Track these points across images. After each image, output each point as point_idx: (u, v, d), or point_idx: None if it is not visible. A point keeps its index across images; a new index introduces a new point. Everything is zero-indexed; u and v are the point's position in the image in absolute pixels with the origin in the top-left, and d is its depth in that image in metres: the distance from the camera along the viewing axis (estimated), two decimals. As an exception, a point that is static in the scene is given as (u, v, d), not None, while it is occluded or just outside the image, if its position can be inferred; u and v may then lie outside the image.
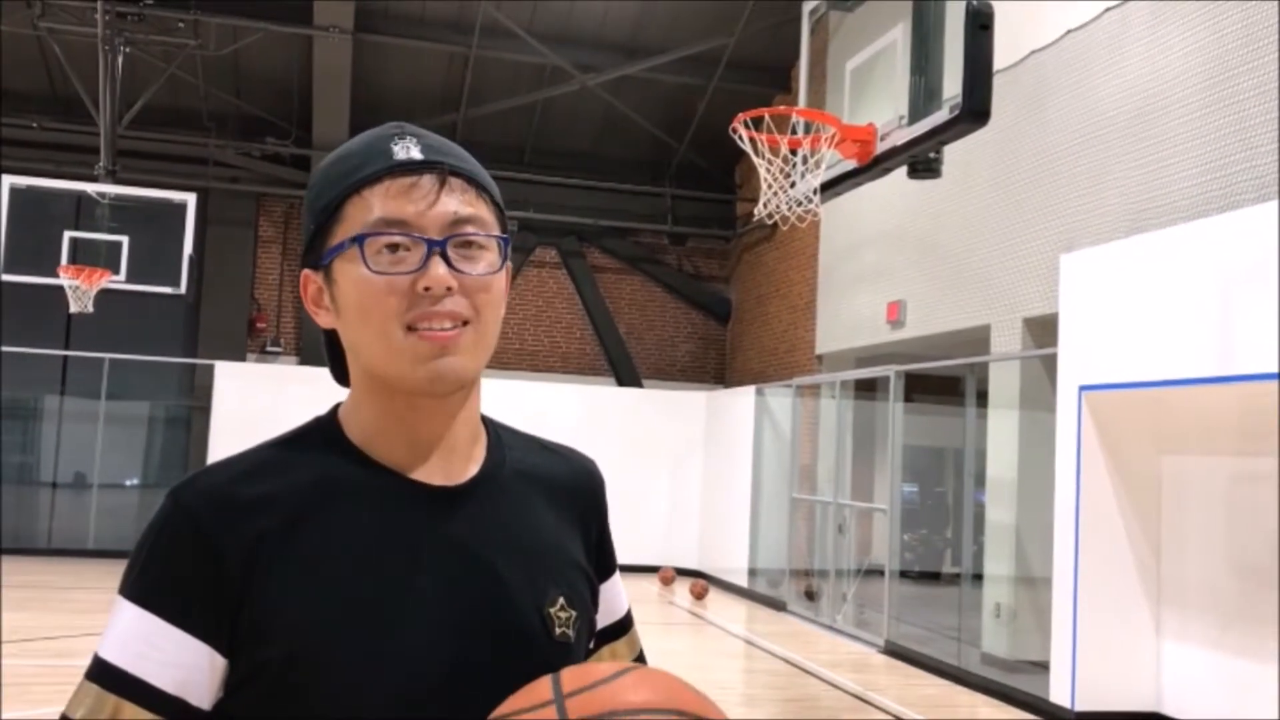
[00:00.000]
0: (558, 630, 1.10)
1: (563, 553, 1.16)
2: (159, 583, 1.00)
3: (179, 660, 0.98)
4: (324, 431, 1.11)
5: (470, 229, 1.06)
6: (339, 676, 0.99)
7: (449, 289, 1.03)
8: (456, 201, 1.06)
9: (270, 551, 1.01)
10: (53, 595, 10.48)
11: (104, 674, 0.98)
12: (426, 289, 1.03)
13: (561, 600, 1.12)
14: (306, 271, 1.10)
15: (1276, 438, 6.31)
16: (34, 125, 13.66)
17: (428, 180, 1.05)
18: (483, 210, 1.08)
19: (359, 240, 1.03)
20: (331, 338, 1.14)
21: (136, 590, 1.01)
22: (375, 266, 1.03)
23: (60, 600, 10.27)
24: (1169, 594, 7.10)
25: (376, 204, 1.04)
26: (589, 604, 1.18)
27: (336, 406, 1.14)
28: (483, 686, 1.03)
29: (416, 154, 1.06)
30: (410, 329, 1.03)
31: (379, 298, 1.03)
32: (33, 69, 13.71)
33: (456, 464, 1.11)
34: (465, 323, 1.05)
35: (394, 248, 1.03)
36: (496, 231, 1.09)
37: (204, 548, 1.00)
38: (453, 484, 1.10)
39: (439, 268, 1.03)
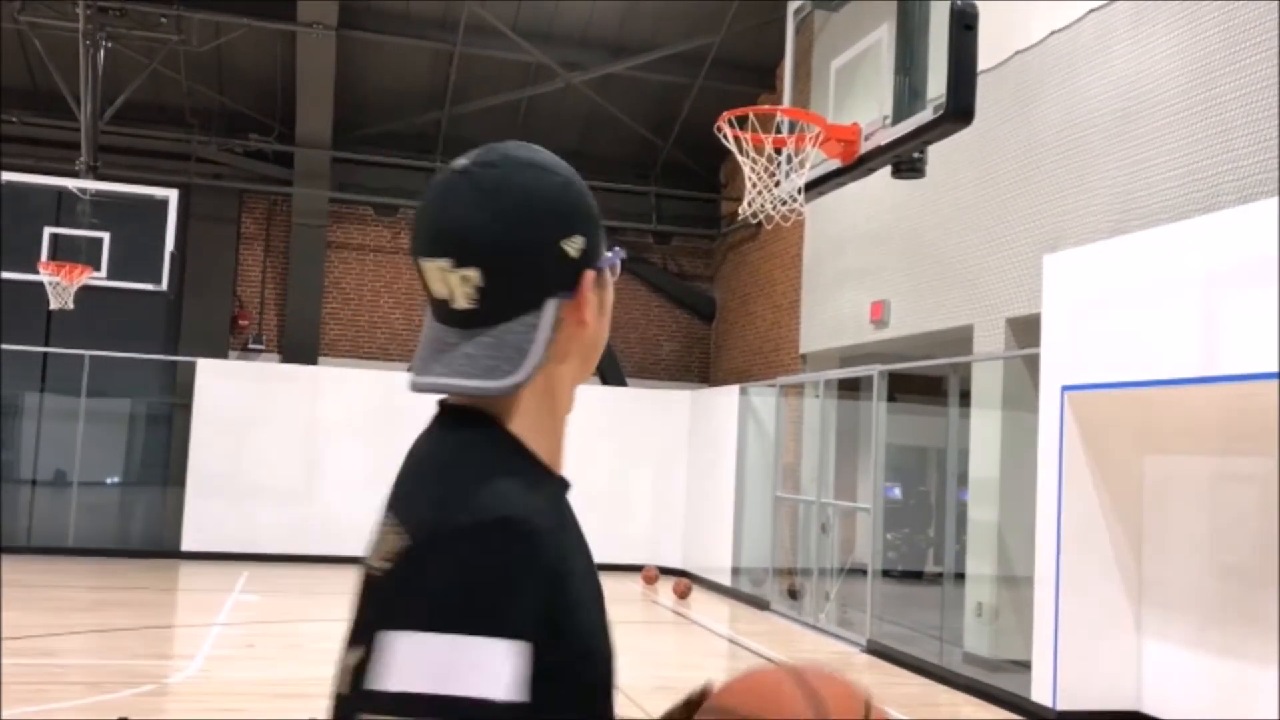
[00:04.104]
0: None
1: None
2: (521, 613, 0.96)
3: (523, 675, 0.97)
4: (523, 453, 1.08)
5: None
6: (607, 672, 1.06)
7: None
8: None
9: (570, 564, 1.03)
10: (33, 594, 10.40)
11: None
12: None
13: None
14: (590, 271, 1.10)
15: (1265, 437, 6.35)
16: (14, 120, 13.57)
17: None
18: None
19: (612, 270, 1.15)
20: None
21: (508, 627, 0.95)
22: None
23: (41, 599, 10.20)
24: (1150, 593, 7.13)
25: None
26: None
27: (497, 423, 1.08)
28: None
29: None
30: None
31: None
32: (13, 63, 13.61)
33: None
34: None
35: None
36: None
37: (547, 570, 0.99)
38: None
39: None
